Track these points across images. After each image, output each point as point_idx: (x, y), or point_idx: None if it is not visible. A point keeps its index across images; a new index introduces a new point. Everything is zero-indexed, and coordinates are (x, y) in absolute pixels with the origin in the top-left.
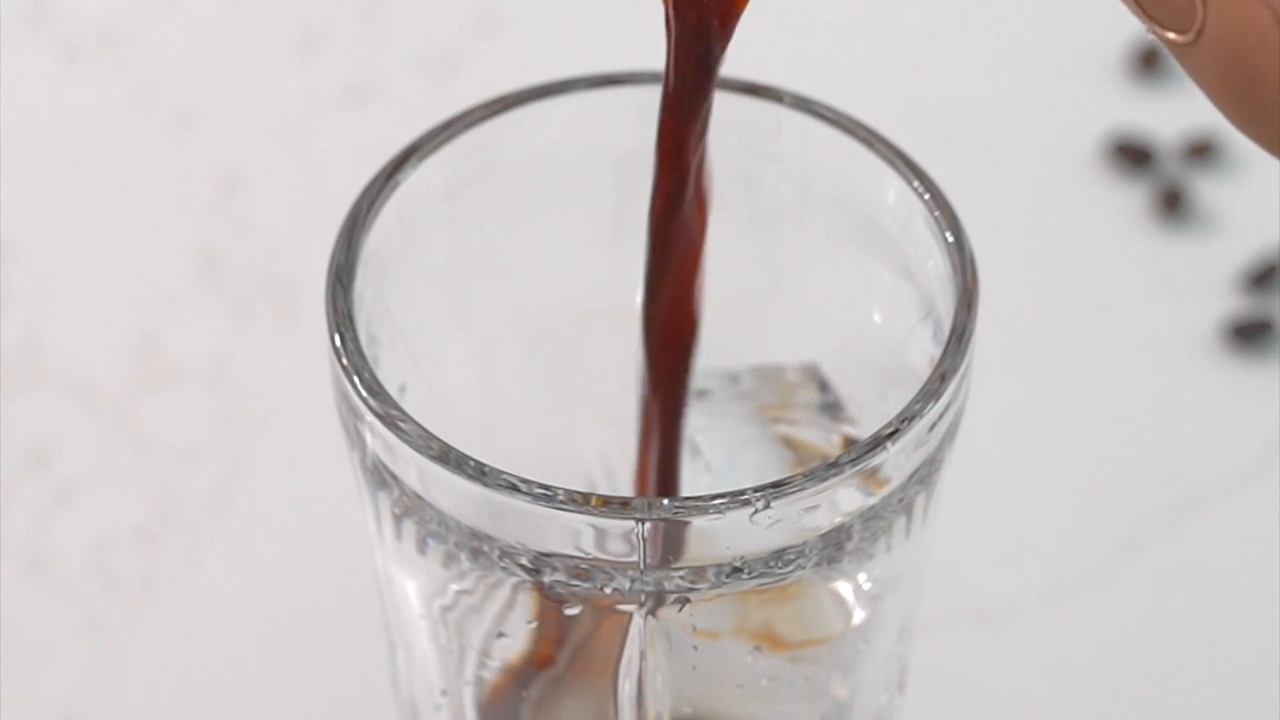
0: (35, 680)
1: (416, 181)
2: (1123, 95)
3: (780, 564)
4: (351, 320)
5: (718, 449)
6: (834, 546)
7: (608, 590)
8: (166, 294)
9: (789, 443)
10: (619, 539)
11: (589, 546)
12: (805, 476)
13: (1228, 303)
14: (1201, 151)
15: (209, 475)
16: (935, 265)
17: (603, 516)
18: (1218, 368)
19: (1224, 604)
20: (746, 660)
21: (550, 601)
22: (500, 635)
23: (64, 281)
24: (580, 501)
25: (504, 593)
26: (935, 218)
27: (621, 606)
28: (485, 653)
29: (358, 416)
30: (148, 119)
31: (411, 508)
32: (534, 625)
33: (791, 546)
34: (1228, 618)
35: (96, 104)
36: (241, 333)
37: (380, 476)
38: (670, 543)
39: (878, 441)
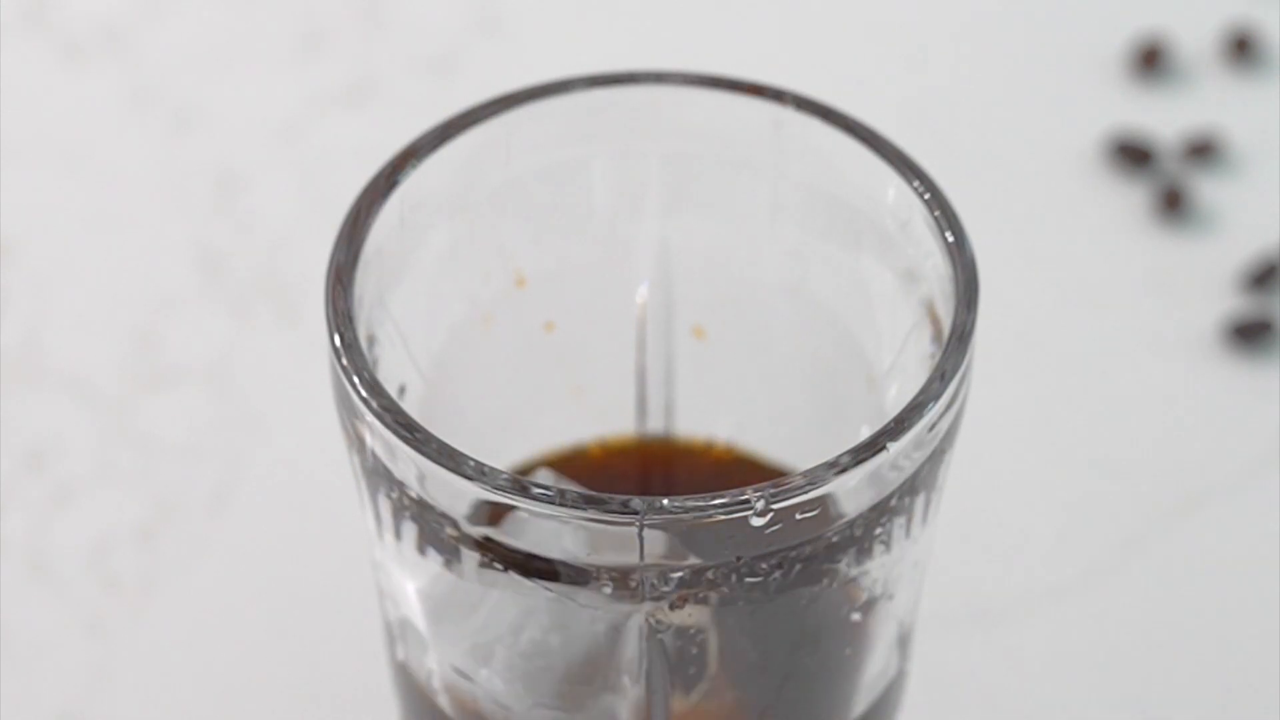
0: (35, 680)
1: (416, 181)
2: (1123, 95)
3: (780, 564)
4: (351, 320)
5: None
6: (834, 546)
7: (607, 590)
8: (166, 294)
9: None
10: (619, 539)
11: (589, 547)
12: (805, 476)
13: (1228, 303)
14: (1201, 151)
15: (209, 475)
16: (935, 265)
17: (603, 516)
18: (1218, 368)
19: (1224, 604)
20: (746, 659)
21: (550, 601)
22: (500, 635)
23: (64, 281)
24: (580, 501)
25: (503, 593)
26: (935, 218)
27: (622, 606)
28: (485, 652)
29: (358, 416)
30: (148, 119)
31: (411, 508)
32: (533, 626)
33: (791, 546)
34: (1228, 617)
35: (96, 104)
36: (241, 333)
37: (380, 476)
38: (670, 543)
39: (878, 441)
